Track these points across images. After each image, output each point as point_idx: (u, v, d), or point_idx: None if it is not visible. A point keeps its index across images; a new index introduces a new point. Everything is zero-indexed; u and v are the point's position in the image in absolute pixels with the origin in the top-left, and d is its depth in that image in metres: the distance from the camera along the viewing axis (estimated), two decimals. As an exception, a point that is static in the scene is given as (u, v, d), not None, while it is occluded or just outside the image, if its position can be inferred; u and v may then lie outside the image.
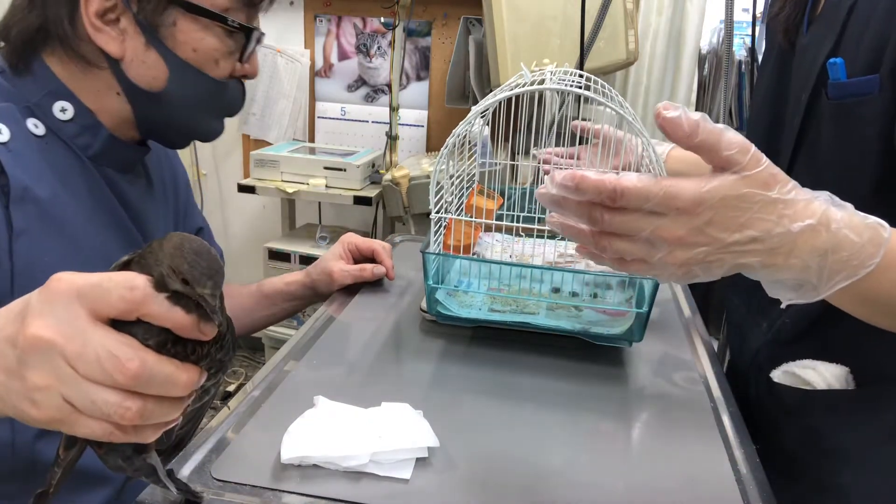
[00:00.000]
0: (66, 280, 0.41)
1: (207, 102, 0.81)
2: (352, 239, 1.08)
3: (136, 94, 0.76)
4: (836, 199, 0.50)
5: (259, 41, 0.82)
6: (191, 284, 0.41)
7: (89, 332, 0.40)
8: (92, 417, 0.41)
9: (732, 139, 0.46)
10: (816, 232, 0.47)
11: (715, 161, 0.47)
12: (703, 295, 1.46)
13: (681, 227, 0.46)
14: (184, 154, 2.65)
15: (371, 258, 1.08)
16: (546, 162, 1.11)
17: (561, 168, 0.50)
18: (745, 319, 0.93)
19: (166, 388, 0.42)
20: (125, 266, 0.45)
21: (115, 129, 0.79)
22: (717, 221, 0.46)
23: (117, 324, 0.41)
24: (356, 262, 1.07)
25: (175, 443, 0.58)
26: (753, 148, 0.46)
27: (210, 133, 0.85)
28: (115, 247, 0.79)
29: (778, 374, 0.82)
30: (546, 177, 0.49)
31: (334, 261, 1.06)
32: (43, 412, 0.42)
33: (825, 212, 0.48)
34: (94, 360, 0.40)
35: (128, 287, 0.41)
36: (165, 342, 0.42)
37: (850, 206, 0.50)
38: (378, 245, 1.08)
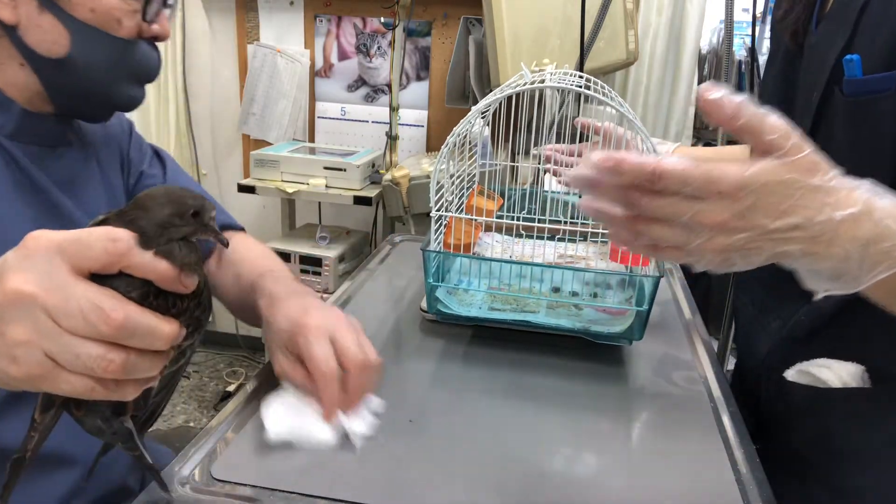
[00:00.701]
0: (44, 237, 0.41)
1: (117, 65, 0.75)
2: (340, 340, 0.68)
3: (40, 62, 0.73)
4: (880, 188, 0.49)
5: (165, 2, 0.77)
6: (200, 214, 0.45)
7: (71, 285, 0.40)
8: (74, 372, 0.41)
9: (775, 123, 0.45)
10: (859, 221, 0.46)
11: (757, 145, 0.46)
12: (703, 295, 1.45)
13: (722, 212, 0.45)
14: (183, 153, 2.65)
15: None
16: (548, 159, 1.11)
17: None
18: (754, 319, 0.93)
19: (149, 340, 0.42)
20: (102, 224, 0.45)
21: (29, 104, 0.75)
22: (759, 207, 0.45)
23: (96, 279, 0.42)
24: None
25: (150, 411, 0.58)
26: (797, 133, 0.46)
27: (129, 101, 0.79)
28: (46, 224, 0.75)
29: (792, 374, 0.81)
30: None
31: (279, 352, 0.72)
32: (23, 368, 0.41)
33: (868, 201, 0.47)
34: (76, 313, 0.40)
35: (110, 239, 0.41)
36: (147, 295, 0.43)
37: (892, 196, 0.49)
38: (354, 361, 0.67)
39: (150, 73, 0.80)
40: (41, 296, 0.40)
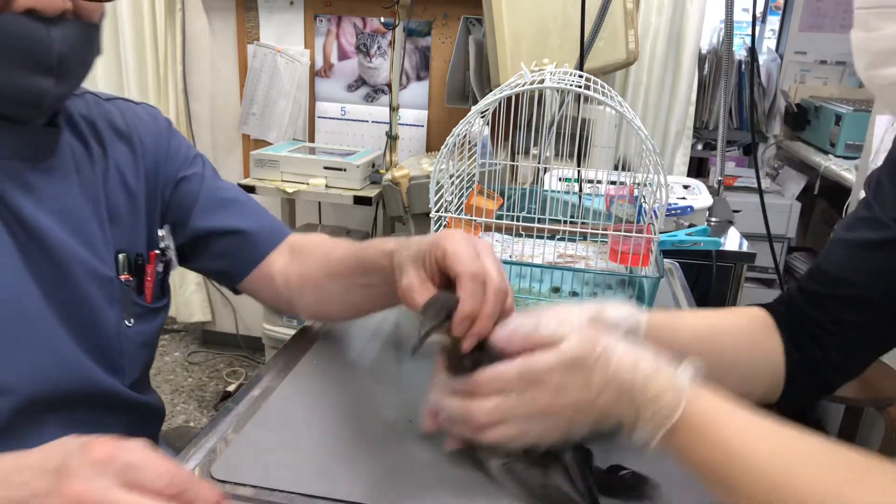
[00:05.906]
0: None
1: None
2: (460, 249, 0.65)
3: None
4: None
5: None
6: None
7: None
8: None
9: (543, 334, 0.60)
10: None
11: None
12: (703, 295, 1.45)
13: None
14: (184, 154, 2.66)
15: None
16: None
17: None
18: None
19: None
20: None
21: None
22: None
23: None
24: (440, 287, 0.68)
25: None
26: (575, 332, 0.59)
27: (22, 92, 0.64)
28: (29, 258, 0.68)
29: None
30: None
31: (411, 265, 0.68)
32: None
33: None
34: None
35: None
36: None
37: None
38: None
39: (38, 53, 0.64)
40: None
